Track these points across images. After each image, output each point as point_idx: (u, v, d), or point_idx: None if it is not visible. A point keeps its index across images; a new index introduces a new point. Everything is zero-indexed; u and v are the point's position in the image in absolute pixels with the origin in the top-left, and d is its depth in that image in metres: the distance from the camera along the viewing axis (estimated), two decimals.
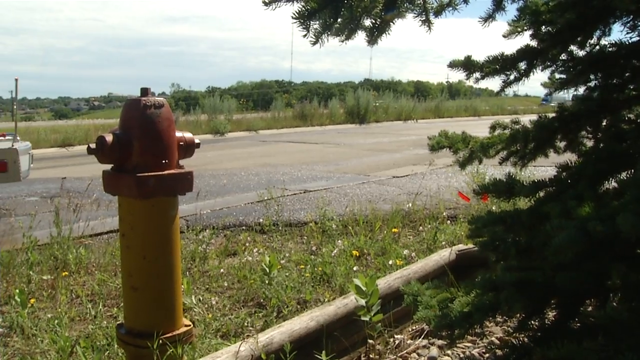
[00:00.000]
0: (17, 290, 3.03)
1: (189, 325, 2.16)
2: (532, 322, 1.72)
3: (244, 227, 5.26)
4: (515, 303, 1.50)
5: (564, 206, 1.46)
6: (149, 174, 1.97)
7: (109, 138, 1.98)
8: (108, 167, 2.07)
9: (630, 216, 1.17)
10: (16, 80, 5.92)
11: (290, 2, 1.58)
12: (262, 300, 3.33)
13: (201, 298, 3.34)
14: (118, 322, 2.34)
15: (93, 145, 2.01)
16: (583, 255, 1.32)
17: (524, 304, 1.52)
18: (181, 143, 2.13)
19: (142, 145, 1.99)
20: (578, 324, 1.58)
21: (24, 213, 5.10)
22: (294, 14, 1.59)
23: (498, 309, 1.65)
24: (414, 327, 2.95)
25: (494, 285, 1.58)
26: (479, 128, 13.84)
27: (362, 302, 2.47)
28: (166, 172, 2.02)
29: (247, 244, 4.56)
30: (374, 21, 1.76)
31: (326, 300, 3.27)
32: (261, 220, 5.31)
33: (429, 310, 1.77)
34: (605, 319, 1.31)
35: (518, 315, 1.69)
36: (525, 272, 1.61)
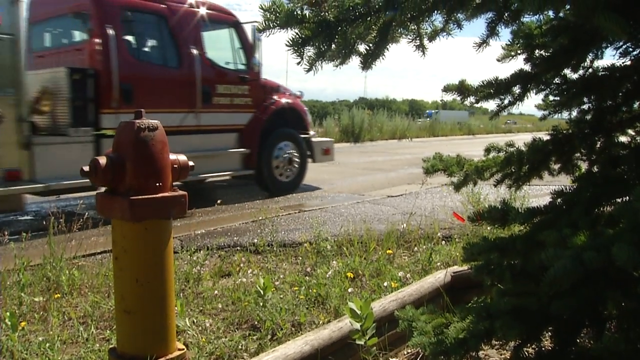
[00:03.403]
0: (8, 313, 2.99)
1: (183, 349, 2.14)
2: (528, 348, 1.71)
3: (238, 248, 5.23)
4: (510, 330, 1.49)
5: (559, 234, 1.46)
6: (142, 196, 1.96)
7: (102, 161, 1.98)
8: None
9: (625, 246, 1.17)
10: None
11: (284, 29, 1.59)
12: (256, 323, 3.31)
13: (195, 320, 3.31)
14: (111, 346, 2.32)
15: (86, 168, 2.00)
16: (578, 282, 1.32)
17: (519, 331, 1.51)
18: (175, 165, 2.13)
19: (135, 167, 1.98)
20: (574, 356, 1.56)
21: (17, 232, 5.06)
22: (288, 41, 1.60)
23: (493, 335, 1.64)
24: (409, 351, 2.93)
25: (489, 313, 1.57)
26: (473, 147, 13.87)
27: (357, 325, 2.45)
28: (160, 194, 2.02)
29: (241, 265, 4.53)
30: (368, 47, 1.77)
31: (321, 322, 3.25)
32: (255, 240, 5.29)
33: (423, 336, 1.76)
34: (602, 350, 1.30)
35: (513, 342, 1.67)
36: (520, 298, 1.60)
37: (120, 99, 7.07)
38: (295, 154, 9.28)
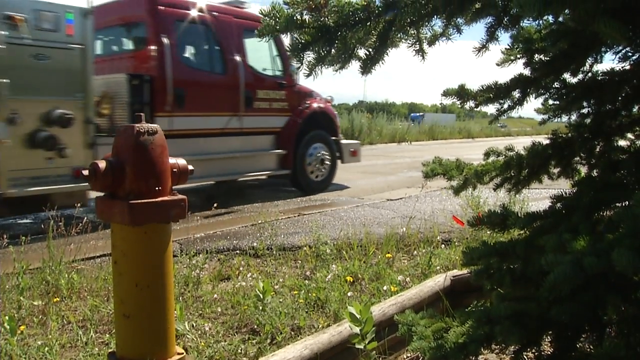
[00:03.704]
0: (7, 317, 2.98)
1: (182, 354, 2.13)
2: (528, 353, 1.70)
3: (237, 251, 5.23)
4: (510, 336, 1.49)
5: (559, 239, 1.46)
6: (142, 200, 1.96)
7: (102, 165, 1.97)
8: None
9: (625, 252, 1.17)
10: None
11: (284, 34, 1.59)
12: (255, 327, 3.30)
13: (194, 324, 3.31)
14: (110, 350, 2.31)
15: (86, 172, 2.00)
16: (578, 287, 1.32)
17: (519, 336, 1.50)
18: (174, 169, 2.13)
19: (135, 171, 1.98)
20: None
21: (16, 236, 5.05)
22: (288, 46, 1.60)
23: (493, 340, 1.64)
24: (409, 355, 2.92)
25: (489, 318, 1.57)
26: (473, 150, 13.81)
27: (357, 330, 2.45)
28: (159, 198, 2.01)
29: (241, 269, 4.53)
30: (367, 52, 1.77)
31: (320, 326, 3.24)
32: (255, 244, 5.29)
33: (423, 340, 1.75)
34: (603, 355, 1.30)
35: (513, 346, 1.67)
36: (520, 302, 1.60)
37: (173, 103, 7.69)
38: (327, 155, 9.94)
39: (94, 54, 7.09)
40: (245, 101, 8.64)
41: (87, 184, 4.86)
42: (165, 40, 7.66)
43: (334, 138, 10.19)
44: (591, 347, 1.67)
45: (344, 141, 10.72)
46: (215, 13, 8.49)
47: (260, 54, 9.19)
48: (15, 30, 5.94)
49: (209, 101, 8.27)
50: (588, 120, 2.52)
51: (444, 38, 1.90)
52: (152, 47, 7.72)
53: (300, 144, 9.46)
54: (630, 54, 2.16)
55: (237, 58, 8.52)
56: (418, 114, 62.41)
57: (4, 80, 5.82)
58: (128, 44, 8.68)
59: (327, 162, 9.93)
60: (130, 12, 8.28)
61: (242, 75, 8.54)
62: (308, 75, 1.70)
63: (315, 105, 9.87)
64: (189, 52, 8.67)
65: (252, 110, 8.81)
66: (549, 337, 1.78)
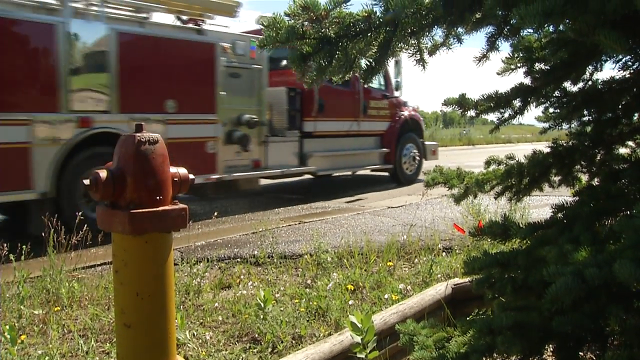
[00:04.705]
0: (7, 327, 2.98)
1: None
2: None
3: (238, 259, 5.22)
4: (512, 346, 1.48)
5: (560, 250, 1.45)
6: (143, 210, 1.95)
7: (103, 174, 1.97)
8: None
9: (627, 263, 1.16)
10: None
11: (285, 46, 1.59)
12: (256, 336, 3.29)
13: (195, 333, 3.30)
14: None
15: (87, 181, 2.00)
16: (580, 298, 1.31)
17: (521, 346, 1.50)
18: (175, 179, 2.12)
19: (136, 181, 1.97)
20: None
21: (17, 243, 5.05)
22: (289, 57, 1.60)
23: (495, 350, 1.63)
24: None
25: (491, 328, 1.56)
26: (473, 157, 13.88)
27: (358, 339, 2.44)
28: (160, 208, 2.01)
29: (241, 277, 4.53)
30: (368, 62, 1.77)
31: (321, 335, 3.24)
32: (256, 252, 5.28)
33: (425, 350, 1.75)
34: None
35: (515, 357, 1.66)
36: (522, 312, 1.59)
37: (317, 110, 10.24)
38: (417, 154, 12.40)
39: (267, 72, 9.06)
40: (362, 109, 11.18)
41: (261, 172, 7.28)
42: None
43: (420, 140, 12.69)
44: (594, 357, 1.66)
45: (427, 142, 13.37)
46: None
47: None
48: (224, 57, 8.21)
49: (339, 109, 10.72)
50: (589, 129, 2.53)
51: (445, 47, 1.91)
52: None
53: (399, 144, 11.90)
54: (630, 62, 2.16)
55: (357, 74, 9.94)
56: None
57: (222, 93, 8.19)
58: (284, 63, 10.25)
59: (417, 159, 12.42)
60: None
61: (360, 89, 11.03)
62: (310, 85, 1.71)
63: (407, 112, 12.30)
64: None
65: (367, 116, 11.28)
66: (550, 347, 1.77)
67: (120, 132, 6.72)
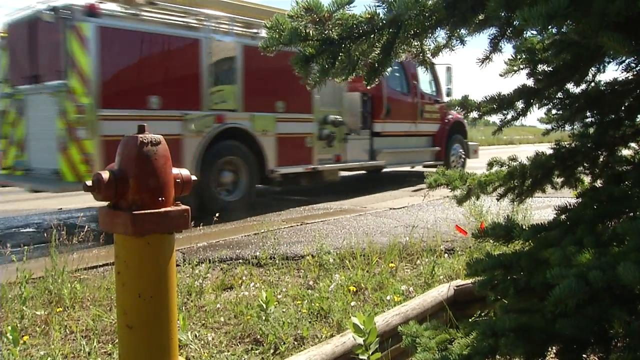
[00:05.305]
0: (10, 327, 2.98)
1: None
2: None
3: (240, 260, 5.22)
4: (515, 349, 1.48)
5: (563, 252, 1.45)
6: (145, 211, 1.95)
7: (106, 175, 1.97)
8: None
9: (631, 265, 1.16)
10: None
11: (288, 48, 1.59)
12: (258, 337, 3.29)
13: (197, 334, 3.30)
14: None
15: (89, 183, 1.99)
16: (583, 301, 1.31)
17: (524, 349, 1.49)
18: (178, 180, 2.12)
19: (138, 182, 1.97)
20: None
21: (19, 245, 5.06)
22: (293, 59, 1.60)
23: (498, 352, 1.63)
24: None
25: (494, 331, 1.56)
26: (475, 158, 13.77)
27: (360, 340, 2.44)
28: (162, 209, 2.01)
29: (243, 278, 4.53)
30: (371, 64, 1.77)
31: (323, 336, 3.23)
32: (258, 253, 5.28)
33: (427, 352, 1.75)
34: None
35: (518, 359, 1.66)
36: (525, 315, 1.59)
37: (385, 114, 11.75)
38: (462, 152, 14.04)
39: None
40: (420, 113, 12.72)
41: (342, 164, 9.41)
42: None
43: (465, 140, 14.28)
44: None
45: (470, 143, 14.87)
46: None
47: (423, 79, 13.12)
48: None
49: (402, 112, 12.27)
50: (591, 130, 2.52)
51: (447, 49, 1.91)
52: None
53: (448, 143, 13.44)
54: (633, 64, 2.16)
55: (414, 82, 12.57)
56: None
57: (317, 96, 9.60)
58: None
59: (462, 157, 14.03)
60: None
61: (418, 94, 12.68)
62: (313, 87, 1.71)
63: (453, 116, 13.58)
64: (391, 80, 12.16)
65: (422, 119, 12.82)
66: (554, 350, 1.77)
67: (244, 127, 8.52)
